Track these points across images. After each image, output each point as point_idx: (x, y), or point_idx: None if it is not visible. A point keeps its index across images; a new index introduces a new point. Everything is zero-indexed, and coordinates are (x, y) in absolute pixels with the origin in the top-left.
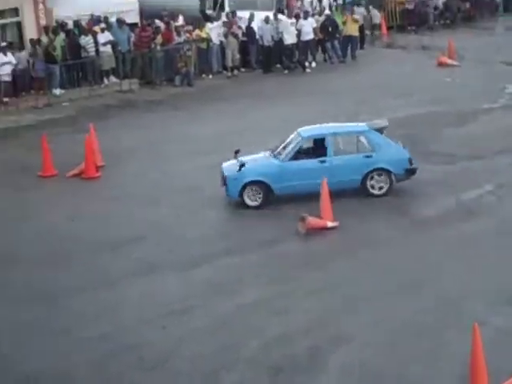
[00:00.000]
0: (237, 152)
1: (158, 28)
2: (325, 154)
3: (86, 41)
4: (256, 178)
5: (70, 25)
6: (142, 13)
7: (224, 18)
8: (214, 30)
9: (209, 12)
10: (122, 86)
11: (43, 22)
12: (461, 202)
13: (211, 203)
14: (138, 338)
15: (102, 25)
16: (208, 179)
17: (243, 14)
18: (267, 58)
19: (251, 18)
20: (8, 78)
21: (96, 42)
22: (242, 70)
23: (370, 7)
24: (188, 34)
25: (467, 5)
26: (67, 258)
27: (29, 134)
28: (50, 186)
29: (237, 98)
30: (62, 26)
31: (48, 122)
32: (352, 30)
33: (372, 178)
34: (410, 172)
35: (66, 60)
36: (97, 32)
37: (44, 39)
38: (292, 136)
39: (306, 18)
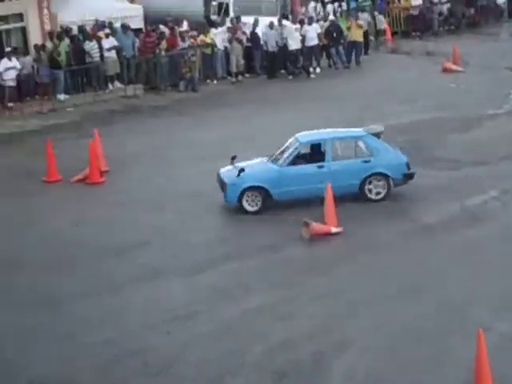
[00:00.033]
0: (233, 158)
1: (162, 33)
2: (323, 159)
3: (91, 46)
4: (255, 183)
5: (75, 30)
6: (147, 18)
7: (228, 24)
8: (218, 36)
9: (213, 17)
10: (127, 91)
11: (48, 28)
12: (465, 207)
13: (215, 209)
14: (142, 343)
15: (107, 30)
16: (212, 185)
17: (248, 20)
18: (271, 63)
19: (256, 24)
20: (13, 83)
21: (100, 48)
22: (247, 75)
23: (376, 13)
24: (192, 40)
25: (472, 11)
26: (72, 263)
27: (33, 139)
28: (54, 191)
29: (241, 103)
30: (66, 31)
31: (52, 128)
32: (356, 35)
33: (370, 182)
34: (408, 177)
35: (70, 65)
36: (101, 37)
37: (48, 44)
38: (289, 141)
39: (310, 23)
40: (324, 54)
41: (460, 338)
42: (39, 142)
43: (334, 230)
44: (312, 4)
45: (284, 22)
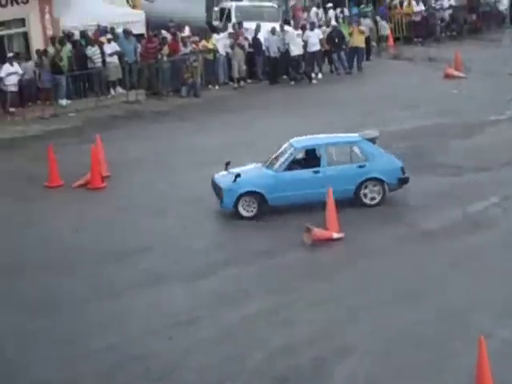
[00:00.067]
0: (227, 164)
1: (164, 39)
2: (318, 165)
3: (93, 51)
4: (251, 188)
5: (77, 35)
6: (149, 24)
7: (230, 29)
8: (220, 41)
9: (215, 23)
10: (129, 96)
11: (50, 33)
12: (467, 213)
13: (217, 214)
14: (144, 348)
15: (109, 35)
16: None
17: (250, 25)
18: (273, 69)
19: (257, 29)
20: (14, 89)
21: (102, 53)
22: (249, 81)
23: (379, 19)
24: (194, 45)
25: (474, 17)
26: (73, 268)
27: (35, 145)
28: (56, 197)
29: (243, 109)
30: (68, 36)
31: (54, 133)
32: (358, 41)
33: (366, 187)
34: (403, 181)
35: (72, 70)
36: (103, 43)
37: (50, 50)
38: (284, 147)
39: (312, 29)
40: (326, 60)
41: (461, 344)
42: (41, 148)
43: (335, 235)
44: (314, 10)
45: (286, 27)
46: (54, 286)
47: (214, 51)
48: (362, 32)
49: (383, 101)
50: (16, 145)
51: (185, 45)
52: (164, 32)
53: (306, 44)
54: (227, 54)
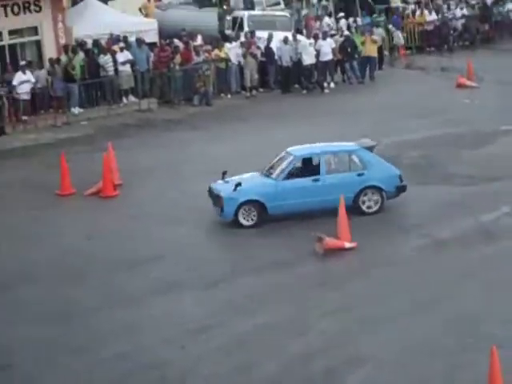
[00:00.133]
0: (224, 173)
1: (176, 48)
2: (316, 173)
3: (105, 60)
4: (252, 197)
5: (90, 44)
6: (161, 32)
7: (243, 38)
8: (232, 50)
9: (228, 32)
10: (141, 105)
11: (62, 41)
12: (479, 223)
13: (229, 223)
14: (156, 357)
15: (121, 44)
16: None
17: (262, 35)
18: (286, 78)
19: (270, 39)
20: (27, 97)
21: (115, 61)
22: (261, 90)
23: (393, 28)
24: (207, 54)
25: (486, 26)
26: (85, 277)
27: (47, 153)
28: (67, 205)
29: (255, 117)
30: (81, 45)
31: (66, 141)
32: (371, 50)
33: (365, 195)
34: (401, 189)
35: (84, 79)
36: (116, 51)
37: (63, 58)
38: (280, 156)
39: (324, 38)
40: (338, 69)
41: (474, 354)
42: (53, 156)
43: (347, 245)
44: (326, 19)
45: (298, 36)
46: (65, 295)
47: (227, 60)
48: (374, 41)
49: (395, 110)
50: (28, 153)
51: (197, 54)
52: (176, 41)
53: (318, 53)
54: (239, 62)
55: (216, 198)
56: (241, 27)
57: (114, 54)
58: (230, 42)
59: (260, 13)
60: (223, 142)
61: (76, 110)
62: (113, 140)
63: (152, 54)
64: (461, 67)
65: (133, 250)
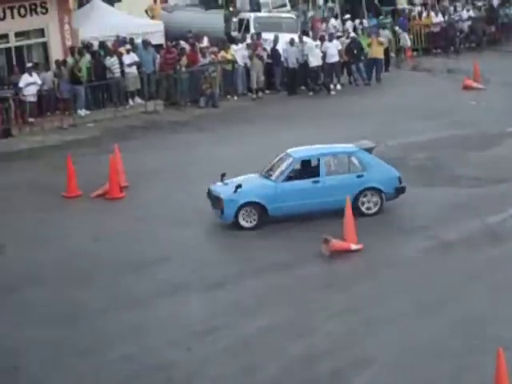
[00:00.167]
0: (223, 175)
1: (183, 49)
2: (315, 175)
3: (112, 62)
4: (252, 199)
5: (96, 46)
6: (167, 34)
7: (249, 40)
8: (239, 52)
9: (234, 34)
10: (147, 107)
11: (69, 43)
12: (485, 225)
13: (234, 225)
14: (162, 358)
15: (128, 46)
16: None
17: (268, 36)
18: (292, 80)
19: (276, 40)
20: (33, 99)
21: (121, 63)
22: (267, 91)
23: (400, 30)
24: (213, 56)
25: (493, 28)
26: (91, 279)
27: (54, 155)
28: (74, 207)
29: (261, 119)
30: (87, 46)
31: (73, 143)
32: (377, 52)
33: (365, 196)
34: (400, 190)
35: (91, 81)
36: (122, 53)
37: (69, 60)
38: (279, 157)
39: (331, 40)
40: (344, 71)
41: (480, 356)
42: (59, 158)
43: (353, 246)
44: (332, 21)
45: (305, 38)
46: (71, 297)
47: (233, 62)
48: (380, 43)
49: (402, 112)
50: (35, 155)
51: (203, 55)
52: (183, 42)
53: (324, 55)
54: (246, 64)
55: (216, 200)
56: (247, 29)
57: (120, 55)
58: (237, 43)
59: (266, 15)
60: (229, 144)
61: (82, 112)
62: (119, 142)
63: (158, 56)
64: (467, 69)
65: (139, 251)
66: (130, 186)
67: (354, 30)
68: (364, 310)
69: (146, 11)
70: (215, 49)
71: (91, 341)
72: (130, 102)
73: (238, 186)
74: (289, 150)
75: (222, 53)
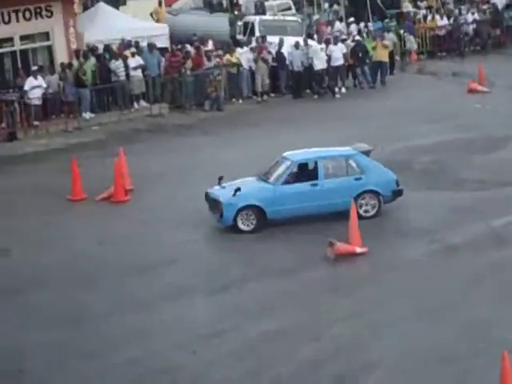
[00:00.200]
0: (221, 178)
1: (188, 53)
2: (313, 178)
3: (117, 65)
4: (251, 202)
5: (101, 49)
6: (172, 37)
7: (254, 43)
8: (244, 55)
9: (239, 37)
10: (152, 110)
11: (74, 46)
12: (490, 228)
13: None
14: (168, 362)
15: (133, 49)
16: None
17: (273, 40)
18: (297, 83)
19: (281, 44)
20: (38, 102)
21: (126, 67)
22: (272, 95)
23: (406, 34)
24: (218, 59)
25: (498, 31)
26: (96, 282)
27: (59, 158)
28: (79, 210)
29: (266, 122)
30: (92, 50)
31: (78, 146)
32: (382, 55)
33: (363, 199)
34: (397, 193)
35: (96, 84)
36: (127, 56)
37: (75, 63)
38: (277, 160)
39: (335, 43)
40: (350, 74)
41: (485, 360)
42: (64, 161)
43: (358, 250)
44: (337, 24)
45: (310, 41)
46: (76, 299)
47: (238, 65)
48: (385, 46)
49: (406, 115)
50: (40, 158)
51: (209, 59)
52: (188, 46)
53: (329, 58)
54: (251, 67)
55: (215, 204)
56: (252, 32)
57: (125, 59)
58: (242, 47)
59: (271, 18)
60: (234, 147)
61: (87, 115)
62: (124, 145)
63: (163, 59)
64: (472, 72)
65: (144, 255)
66: (134, 189)
67: (359, 33)
68: (369, 313)
69: (151, 14)
70: (220, 52)
71: (96, 344)
72: (135, 105)
73: (237, 190)
74: (286, 153)
75: (227, 56)
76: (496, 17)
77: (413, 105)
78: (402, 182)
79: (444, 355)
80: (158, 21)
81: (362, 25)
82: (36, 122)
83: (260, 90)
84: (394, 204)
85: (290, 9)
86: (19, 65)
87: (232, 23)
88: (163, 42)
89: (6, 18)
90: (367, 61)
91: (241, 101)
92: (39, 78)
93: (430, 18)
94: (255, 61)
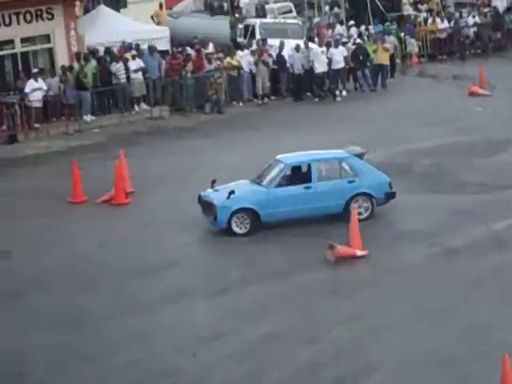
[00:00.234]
0: (213, 182)
1: (188, 55)
2: (306, 181)
3: (117, 68)
4: (245, 205)
5: (102, 52)
6: (173, 40)
7: (254, 46)
8: (244, 58)
9: (239, 40)
10: (153, 112)
11: (75, 49)
12: (491, 231)
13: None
14: (168, 364)
15: (133, 52)
16: None
17: (274, 42)
18: (298, 86)
19: (282, 46)
20: (39, 104)
21: (127, 69)
22: (273, 97)
23: (407, 36)
24: (219, 62)
25: (498, 34)
26: (96, 284)
27: (59, 160)
28: (79, 212)
29: (267, 125)
30: (93, 52)
31: (78, 149)
32: (383, 58)
33: (356, 202)
34: (390, 196)
35: (96, 87)
36: (128, 59)
37: (75, 66)
38: (270, 163)
39: (336, 46)
40: (350, 77)
41: (485, 363)
42: (65, 163)
43: (359, 253)
44: (338, 27)
45: (310, 44)
46: (77, 302)
47: (239, 68)
48: (386, 49)
49: (407, 118)
50: (40, 160)
51: (209, 61)
52: (188, 49)
53: (330, 61)
54: (251, 70)
55: (208, 207)
56: (253, 35)
57: (126, 61)
58: (242, 49)
59: (272, 21)
60: (235, 150)
61: (88, 118)
62: (125, 148)
63: (164, 62)
64: (473, 75)
65: (144, 257)
66: (135, 191)
67: (359, 36)
68: (370, 316)
69: (152, 17)
70: (221, 55)
71: (97, 346)
72: (136, 107)
73: (231, 192)
74: (279, 156)
75: (228, 59)
76: (497, 20)
77: (413, 108)
78: (402, 185)
79: (444, 358)
80: (158, 23)
81: (362, 28)
82: (37, 125)
83: (260, 93)
84: (395, 207)
85: (290, 12)
86: (20, 67)
87: (233, 26)
88: (164, 45)
89: (7, 20)
90: (368, 64)
91: (241, 103)
92: (40, 80)
93: (430, 20)
94: (256, 64)
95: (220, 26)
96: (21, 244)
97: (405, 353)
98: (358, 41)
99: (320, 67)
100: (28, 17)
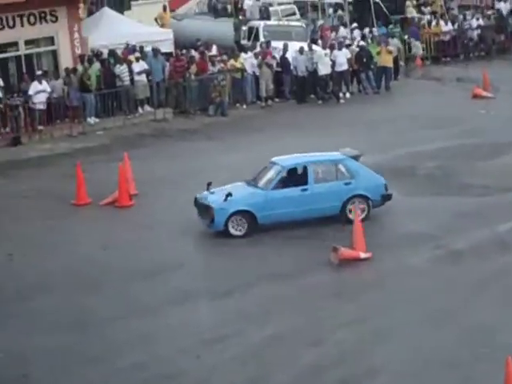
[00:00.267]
0: (209, 184)
1: (192, 58)
2: (304, 183)
3: (121, 70)
4: (242, 207)
5: (105, 54)
6: (177, 42)
7: (258, 48)
8: (248, 60)
9: (243, 42)
10: (157, 115)
11: (78, 51)
12: (494, 234)
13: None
14: (172, 367)
15: (137, 54)
16: None
17: (277, 45)
18: (301, 88)
19: (285, 49)
20: (43, 107)
21: (131, 71)
22: (276, 100)
23: (412, 39)
24: (222, 64)
25: (502, 37)
26: (100, 287)
27: (63, 163)
28: (83, 214)
29: (270, 128)
30: (97, 55)
31: (82, 151)
32: (386, 60)
33: (352, 204)
34: (386, 198)
35: (100, 89)
36: (132, 61)
37: (79, 68)
38: (266, 165)
39: (340, 48)
40: (354, 79)
41: (488, 365)
42: (69, 165)
43: (362, 255)
44: (342, 29)
45: (314, 47)
46: (81, 304)
47: (242, 70)
48: (390, 52)
49: (411, 120)
50: (44, 163)
51: (213, 64)
52: (192, 51)
53: (333, 63)
54: (255, 73)
55: (205, 209)
56: (256, 37)
57: (129, 63)
58: (246, 52)
59: (275, 23)
60: (238, 152)
61: (92, 120)
62: (128, 150)
63: (168, 64)
64: (477, 78)
65: (148, 260)
66: (139, 194)
67: (363, 38)
68: (373, 319)
69: (156, 19)
70: (224, 57)
71: (100, 348)
72: (140, 110)
73: (229, 195)
74: (275, 159)
75: (232, 61)
76: (501, 22)
77: (417, 110)
78: (406, 188)
79: (448, 360)
80: (162, 26)
81: (366, 30)
82: (40, 127)
83: (264, 95)
84: (399, 209)
85: (294, 14)
86: (24, 69)
87: (236, 28)
88: (168, 47)
89: (11, 23)
90: (371, 66)
91: (245, 106)
92: (44, 82)
93: (434, 23)
94: (259, 66)
95: (224, 28)
96: (24, 246)
97: (408, 355)
98: (362, 43)
99: (324, 69)
100: (32, 19)
